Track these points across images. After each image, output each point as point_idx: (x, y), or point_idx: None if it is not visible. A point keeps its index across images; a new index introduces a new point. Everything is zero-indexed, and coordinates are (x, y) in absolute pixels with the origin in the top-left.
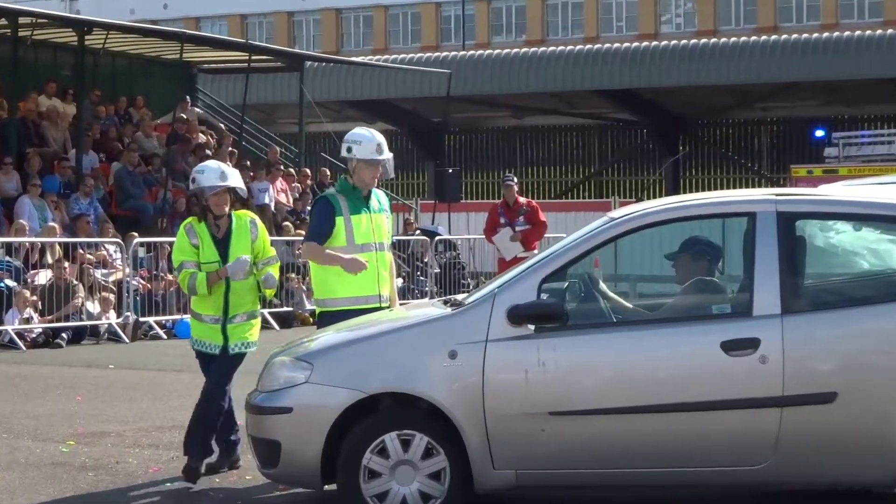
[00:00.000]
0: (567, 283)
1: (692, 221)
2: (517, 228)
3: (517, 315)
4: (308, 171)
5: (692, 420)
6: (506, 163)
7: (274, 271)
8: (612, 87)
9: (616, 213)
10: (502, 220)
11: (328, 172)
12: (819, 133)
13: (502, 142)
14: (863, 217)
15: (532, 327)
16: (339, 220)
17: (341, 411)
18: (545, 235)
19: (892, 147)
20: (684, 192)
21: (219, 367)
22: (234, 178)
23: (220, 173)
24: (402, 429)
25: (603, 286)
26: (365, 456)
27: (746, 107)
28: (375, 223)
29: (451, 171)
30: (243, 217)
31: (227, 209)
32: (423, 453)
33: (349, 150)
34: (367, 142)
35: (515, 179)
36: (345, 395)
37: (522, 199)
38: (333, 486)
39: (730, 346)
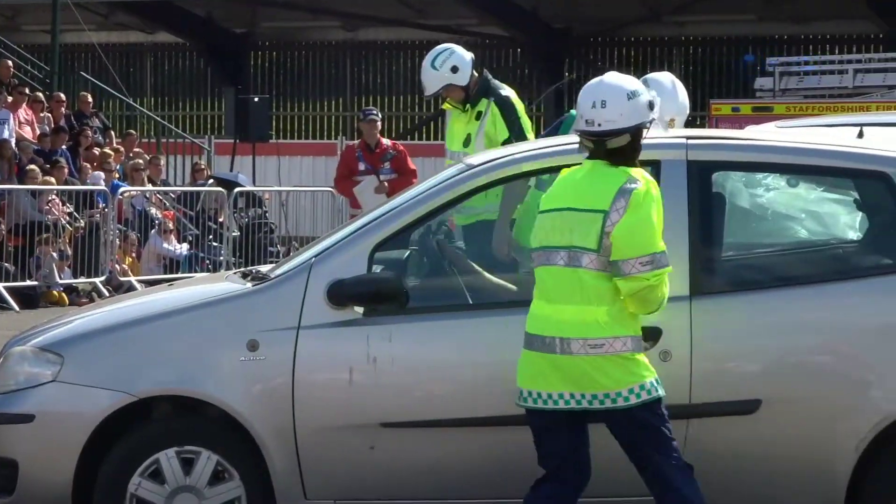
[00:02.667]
0: (409, 252)
1: None
2: (382, 177)
3: (340, 293)
4: (63, 96)
5: None
6: (332, 90)
7: None
8: None
9: (476, 158)
10: (362, 167)
11: (90, 99)
12: (749, 58)
13: (327, 62)
14: (800, 169)
15: (361, 310)
16: None
17: (101, 420)
18: None
19: (843, 78)
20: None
21: None
22: None
23: None
24: (182, 444)
25: (461, 255)
26: (132, 480)
27: (653, 20)
28: None
29: (256, 99)
30: None
31: None
32: (212, 477)
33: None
34: (665, 93)
35: (378, 115)
36: (106, 399)
37: (386, 141)
38: None
39: None
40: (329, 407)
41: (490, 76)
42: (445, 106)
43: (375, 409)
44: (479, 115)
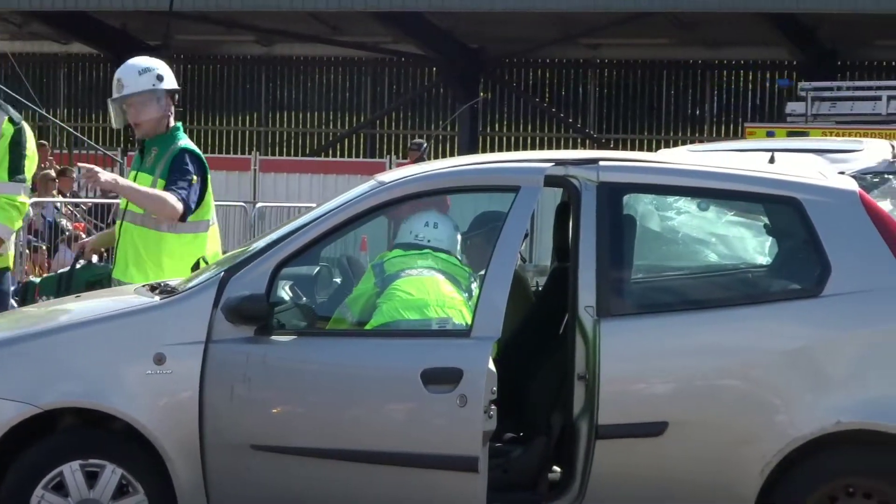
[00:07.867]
0: (318, 269)
1: (496, 193)
2: None
3: (226, 310)
4: None
5: (398, 477)
6: (246, 104)
7: None
8: (393, 9)
9: (388, 175)
10: None
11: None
12: (783, 83)
13: (242, 76)
14: (712, 193)
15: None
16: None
17: (4, 431)
18: None
19: (877, 105)
20: (484, 152)
21: None
22: None
23: None
24: (87, 457)
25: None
26: (35, 493)
27: (568, 43)
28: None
29: None
30: None
31: None
32: (116, 491)
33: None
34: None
35: (426, 146)
36: (10, 410)
37: None
38: None
39: (429, 378)
40: (225, 424)
41: None
42: None
43: (247, 430)
44: None
